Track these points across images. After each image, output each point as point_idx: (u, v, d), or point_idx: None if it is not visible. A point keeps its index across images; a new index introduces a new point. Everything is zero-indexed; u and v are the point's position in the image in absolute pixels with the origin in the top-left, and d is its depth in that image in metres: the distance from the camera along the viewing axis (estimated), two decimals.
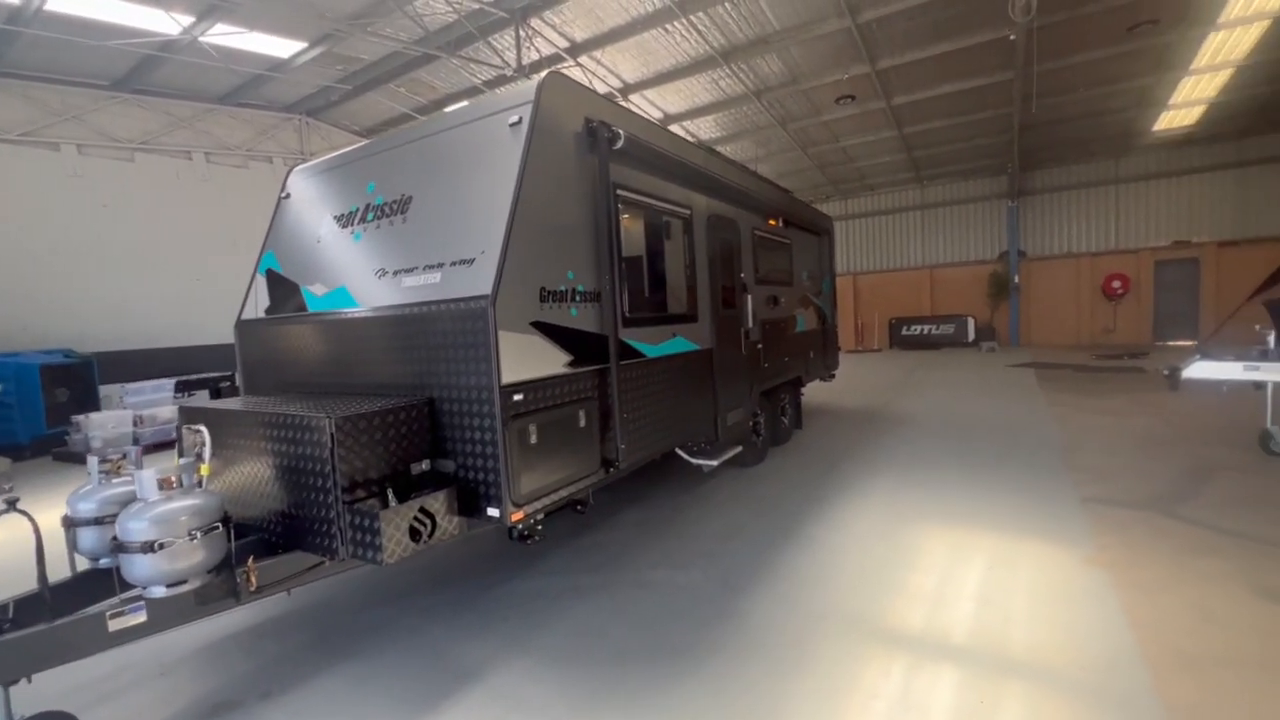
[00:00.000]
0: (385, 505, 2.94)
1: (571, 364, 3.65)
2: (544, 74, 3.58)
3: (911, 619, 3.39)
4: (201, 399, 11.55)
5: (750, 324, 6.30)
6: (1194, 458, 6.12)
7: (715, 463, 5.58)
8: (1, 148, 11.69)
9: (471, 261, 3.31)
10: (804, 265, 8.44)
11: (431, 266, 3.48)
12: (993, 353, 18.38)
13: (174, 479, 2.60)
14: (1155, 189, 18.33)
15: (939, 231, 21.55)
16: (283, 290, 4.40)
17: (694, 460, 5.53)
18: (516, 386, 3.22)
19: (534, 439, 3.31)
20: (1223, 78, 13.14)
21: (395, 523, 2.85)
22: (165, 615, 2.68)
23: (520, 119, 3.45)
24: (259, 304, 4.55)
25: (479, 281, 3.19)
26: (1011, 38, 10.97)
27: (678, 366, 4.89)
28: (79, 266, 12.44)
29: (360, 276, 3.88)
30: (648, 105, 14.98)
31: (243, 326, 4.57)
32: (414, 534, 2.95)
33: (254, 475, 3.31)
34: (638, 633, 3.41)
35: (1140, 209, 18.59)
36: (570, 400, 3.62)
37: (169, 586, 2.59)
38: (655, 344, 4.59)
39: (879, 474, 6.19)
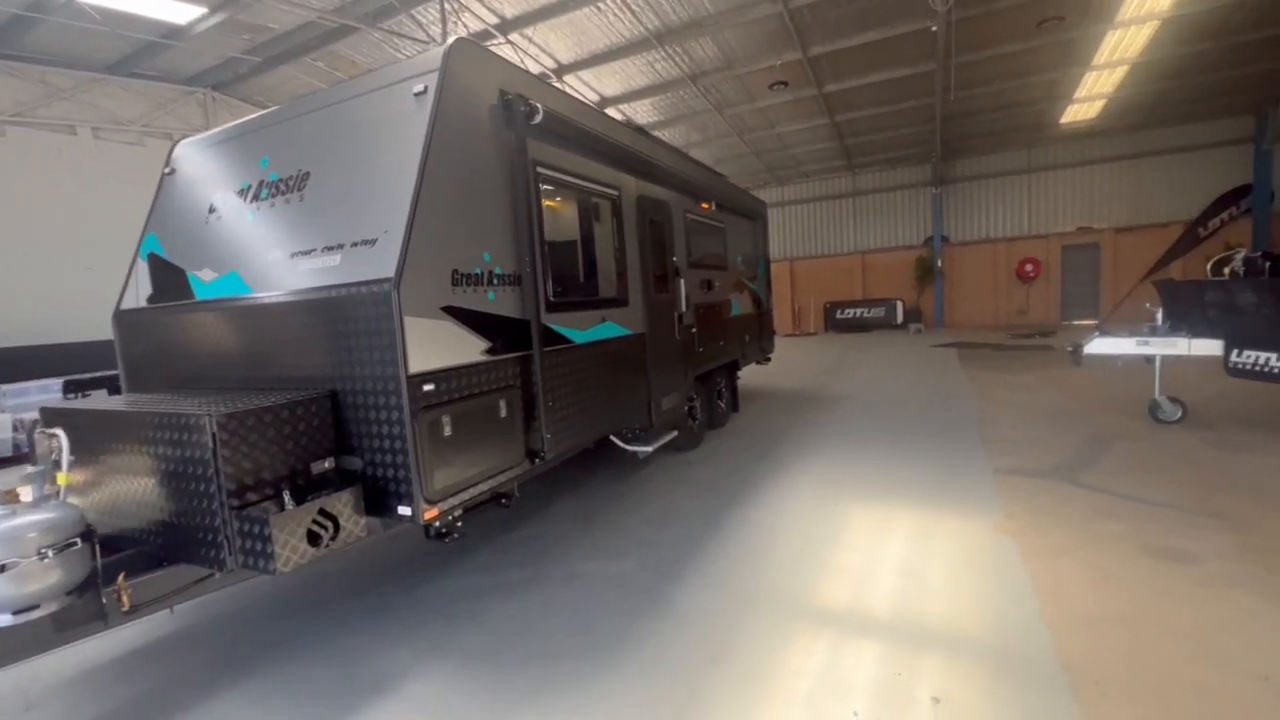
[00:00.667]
0: (280, 509, 2.69)
1: (490, 351, 3.47)
2: (451, 40, 3.33)
3: (836, 596, 3.44)
4: (99, 398, 10.53)
5: (684, 308, 6.25)
6: (1094, 428, 6.56)
7: (650, 449, 5.54)
8: None
9: (374, 242, 3.06)
10: (738, 249, 8.47)
11: (331, 248, 3.21)
12: (919, 334, 19.27)
13: (17, 491, 2.27)
14: (1063, 178, 19.57)
15: (870, 218, 22.30)
16: (167, 276, 3.98)
17: (629, 447, 5.47)
18: (426, 376, 3.01)
19: (448, 431, 3.12)
20: (1119, 74, 14.08)
21: (289, 527, 2.62)
22: (16, 645, 2.36)
23: (426, 88, 3.21)
24: (140, 292, 4.10)
25: (382, 263, 2.96)
26: (933, 29, 11.33)
27: (608, 352, 4.78)
28: None
29: (254, 260, 3.54)
30: (583, 87, 14.66)
31: (122, 317, 4.11)
32: (313, 538, 2.72)
33: (130, 482, 2.97)
34: (567, 627, 3.31)
35: (1050, 196, 19.82)
36: (489, 390, 3.44)
37: (16, 613, 2.27)
38: (583, 329, 4.45)
39: (812, 454, 6.32)
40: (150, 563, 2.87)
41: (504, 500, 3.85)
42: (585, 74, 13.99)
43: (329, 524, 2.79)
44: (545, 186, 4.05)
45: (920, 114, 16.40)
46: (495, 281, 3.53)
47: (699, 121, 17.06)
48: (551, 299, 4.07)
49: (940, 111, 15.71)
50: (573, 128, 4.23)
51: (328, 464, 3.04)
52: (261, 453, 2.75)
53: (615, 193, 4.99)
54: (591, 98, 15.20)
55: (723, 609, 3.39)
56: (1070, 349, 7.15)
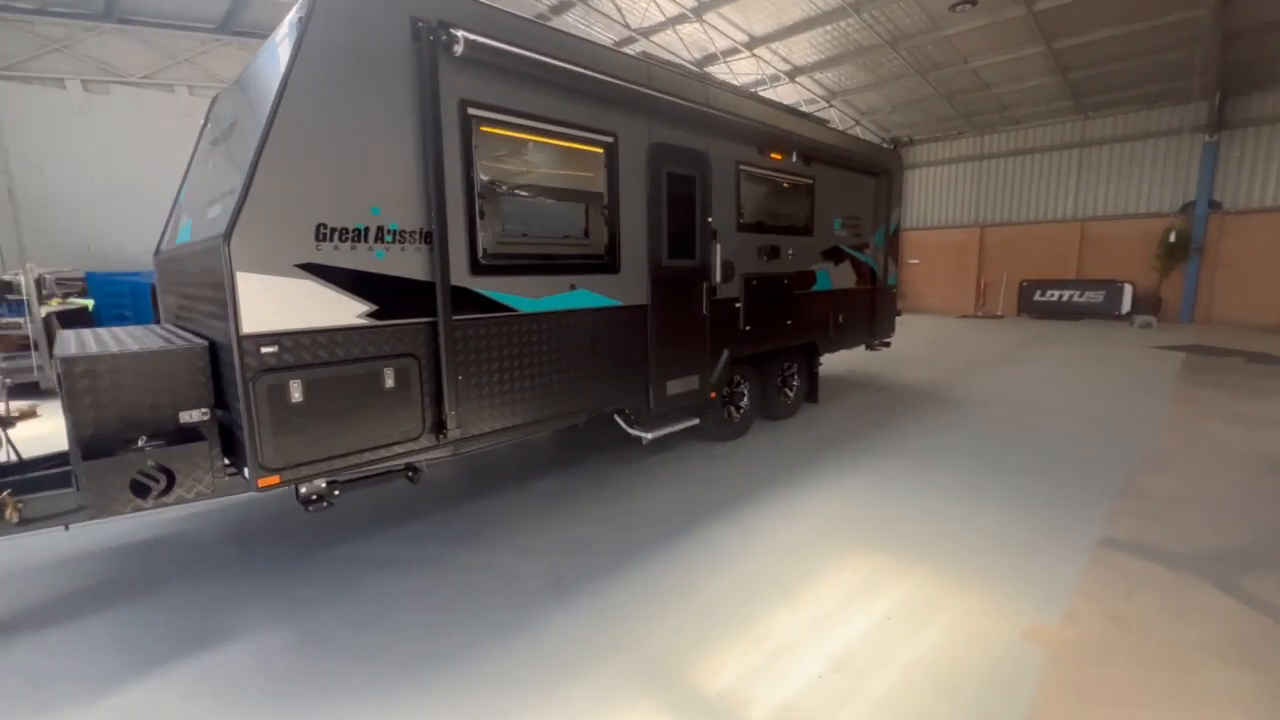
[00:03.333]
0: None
1: (375, 315, 3.17)
2: None
3: (723, 675, 2.62)
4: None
5: (718, 279, 5.33)
6: None
7: (650, 435, 4.91)
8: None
9: (234, 191, 2.89)
10: (838, 211, 7.04)
11: (216, 199, 3.14)
12: (1148, 329, 14.91)
13: None
14: None
15: (1100, 175, 17.51)
16: (174, 223, 4.35)
17: (631, 430, 4.90)
18: (268, 337, 2.81)
19: (299, 398, 2.92)
20: None
21: (107, 477, 2.65)
22: None
23: (300, 18, 2.89)
24: (168, 237, 4.56)
25: (228, 215, 2.78)
26: None
27: (579, 325, 4.21)
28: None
29: (197, 209, 3.66)
30: (728, 26, 13.37)
31: (156, 259, 4.63)
32: (139, 488, 2.74)
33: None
34: (427, 623, 2.99)
35: None
36: (369, 357, 3.16)
37: None
38: (536, 297, 3.94)
39: (863, 469, 5.09)
40: (60, 483, 3.16)
41: (410, 473, 3.62)
42: (726, 9, 12.69)
43: (160, 476, 2.79)
44: (484, 130, 3.55)
45: (1185, 31, 12.09)
46: (389, 238, 3.18)
47: (869, 60, 14.65)
48: (485, 261, 3.62)
49: (1221, 25, 11.38)
50: (527, 61, 3.61)
51: (197, 415, 3.04)
52: (115, 400, 2.82)
53: (608, 139, 4.27)
54: (738, 37, 13.86)
55: (582, 650, 2.79)
56: None
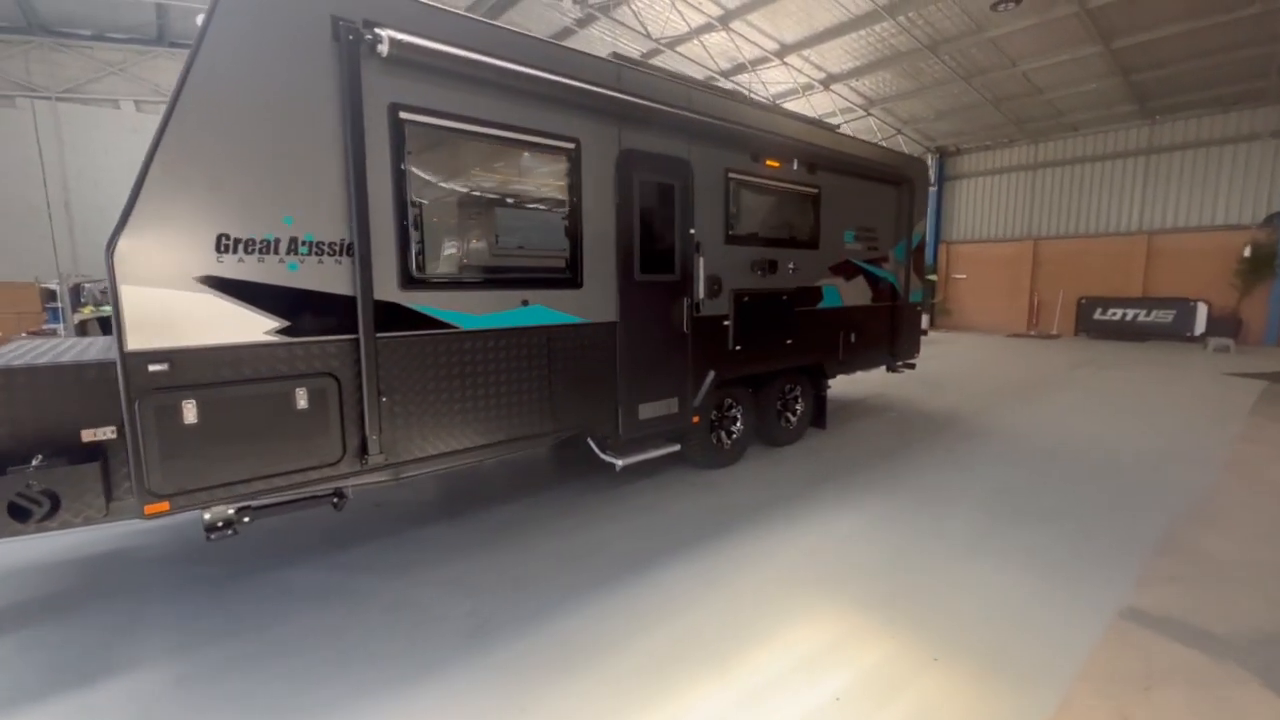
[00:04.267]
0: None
1: (287, 331, 2.97)
2: None
3: None
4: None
5: (700, 294, 4.95)
6: None
7: (622, 462, 4.56)
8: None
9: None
10: (849, 222, 6.54)
11: None
12: (1224, 353, 13.48)
13: None
14: None
15: (1169, 185, 16.12)
16: None
17: (604, 456, 4.57)
18: (157, 355, 2.64)
19: (193, 419, 2.73)
20: None
21: None
22: None
23: (204, 16, 2.74)
24: None
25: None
26: None
27: (531, 343, 3.93)
28: None
29: None
30: (757, 35, 13.01)
31: None
32: (18, 512, 2.60)
33: None
34: (305, 671, 2.74)
35: None
36: (278, 376, 2.96)
37: None
38: (481, 313, 3.68)
39: (860, 507, 4.58)
40: None
41: (335, 500, 3.39)
42: (754, 17, 12.34)
43: (45, 500, 2.65)
44: (420, 136, 3.33)
45: (1264, 26, 10.95)
46: (304, 250, 2.99)
47: (908, 65, 13.98)
48: (419, 275, 3.39)
49: None
50: (469, 63, 3.38)
51: (106, 434, 2.90)
52: (6, 417, 2.70)
53: (568, 145, 3.99)
54: (768, 46, 13.46)
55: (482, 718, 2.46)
56: None
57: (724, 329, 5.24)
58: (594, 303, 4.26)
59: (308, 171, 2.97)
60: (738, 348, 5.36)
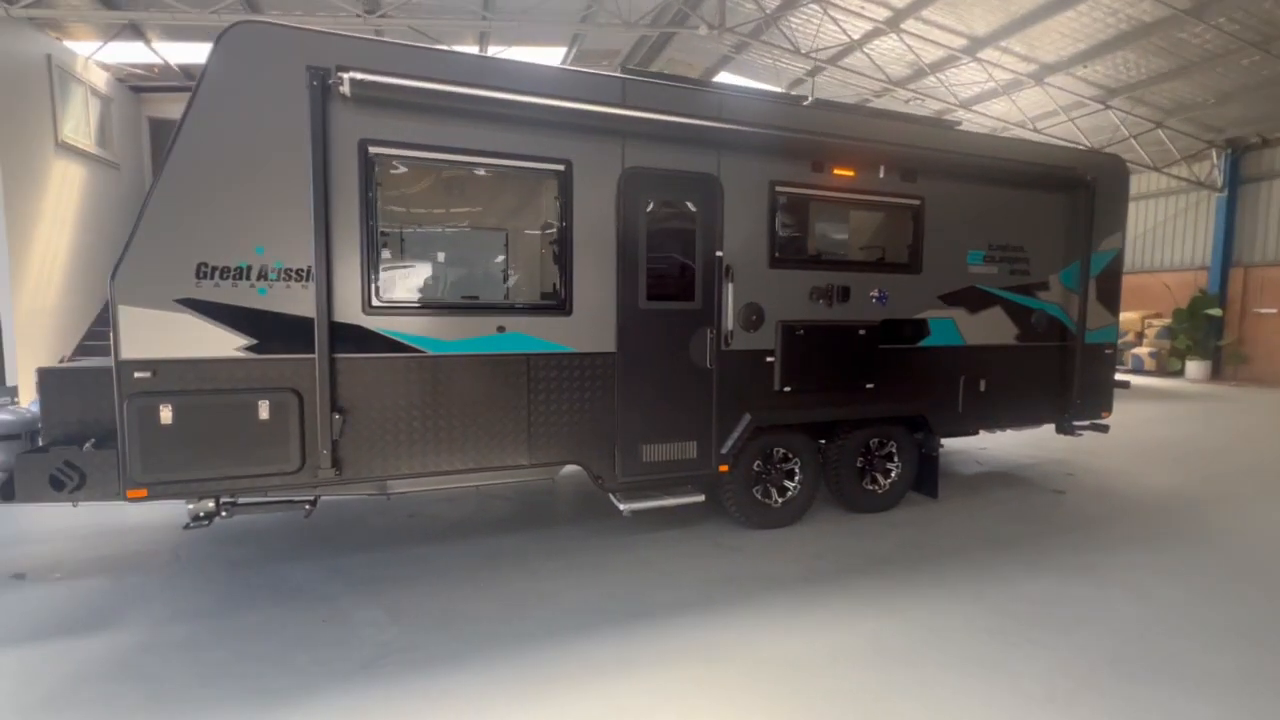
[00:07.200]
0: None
1: (255, 349, 3.31)
2: (229, 26, 3.22)
3: None
4: None
5: (729, 325, 4.32)
6: None
7: (628, 508, 4.20)
8: None
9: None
10: (976, 239, 5.19)
11: None
12: None
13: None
14: None
15: None
16: None
17: (613, 499, 4.28)
18: (144, 364, 3.13)
19: (168, 420, 3.18)
20: None
21: (31, 469, 3.21)
22: None
23: (199, 74, 3.23)
24: None
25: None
26: None
27: (506, 371, 3.81)
28: None
29: None
30: (937, 33, 11.37)
31: None
32: (56, 483, 3.27)
33: None
34: (192, 669, 2.90)
35: None
36: (243, 388, 3.30)
37: None
38: (451, 338, 3.68)
39: (908, 618, 3.47)
40: None
41: (307, 505, 3.65)
42: (933, 13, 10.82)
43: (74, 474, 3.29)
44: (391, 168, 3.49)
45: None
46: (273, 276, 3.31)
47: (1162, 39, 10.94)
48: (382, 300, 3.53)
49: None
50: (436, 95, 3.44)
51: None
52: (74, 403, 3.45)
53: (558, 167, 3.83)
54: (954, 44, 11.69)
55: None
56: None
57: (766, 366, 4.50)
58: (586, 332, 3.99)
59: (281, 206, 3.31)
60: (787, 389, 4.55)
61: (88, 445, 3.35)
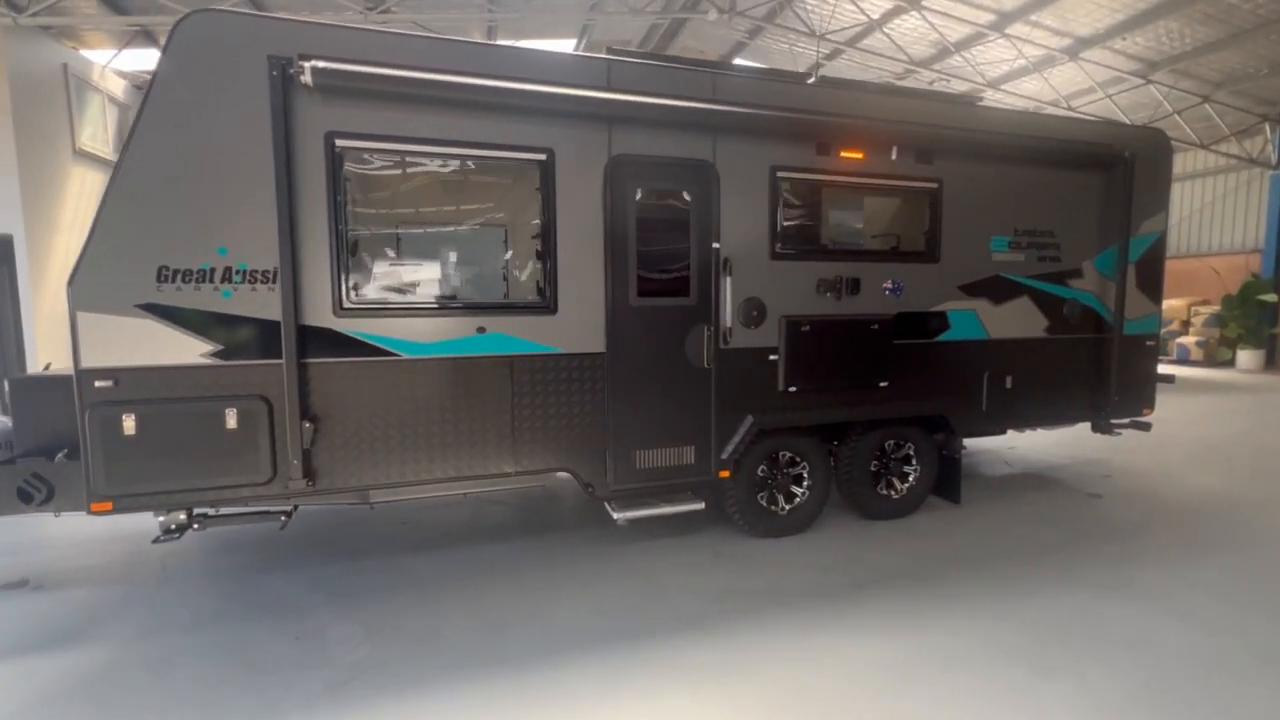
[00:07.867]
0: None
1: (220, 355, 3.16)
2: (184, 15, 3.05)
3: None
4: None
5: (728, 322, 4.04)
6: None
7: (623, 516, 3.99)
8: None
9: None
10: (1001, 224, 4.80)
11: None
12: None
13: None
14: None
15: None
16: None
17: (607, 506, 4.07)
18: (105, 373, 3.01)
19: (132, 431, 3.05)
20: None
21: (3, 481, 3.13)
22: None
23: (152, 71, 3.07)
24: None
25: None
26: None
27: (487, 374, 3.61)
28: None
29: None
30: (963, 9, 10.81)
31: None
32: (24, 495, 3.18)
33: None
34: (150, 689, 2.79)
35: None
36: (208, 396, 3.16)
37: None
38: (429, 340, 3.49)
39: (915, 644, 3.17)
40: None
41: (283, 516, 3.51)
42: None
43: (42, 486, 3.20)
44: (360, 162, 3.31)
45: None
46: (237, 278, 3.16)
47: (1207, 6, 10.21)
48: (354, 301, 3.35)
49: None
50: (407, 82, 3.24)
51: None
52: (45, 413, 3.36)
53: (539, 156, 3.60)
54: (981, 19, 11.11)
55: None
56: None
57: (769, 365, 4.21)
58: (573, 331, 3.76)
59: (244, 204, 3.15)
60: (792, 389, 4.26)
61: (60, 456, 3.27)
